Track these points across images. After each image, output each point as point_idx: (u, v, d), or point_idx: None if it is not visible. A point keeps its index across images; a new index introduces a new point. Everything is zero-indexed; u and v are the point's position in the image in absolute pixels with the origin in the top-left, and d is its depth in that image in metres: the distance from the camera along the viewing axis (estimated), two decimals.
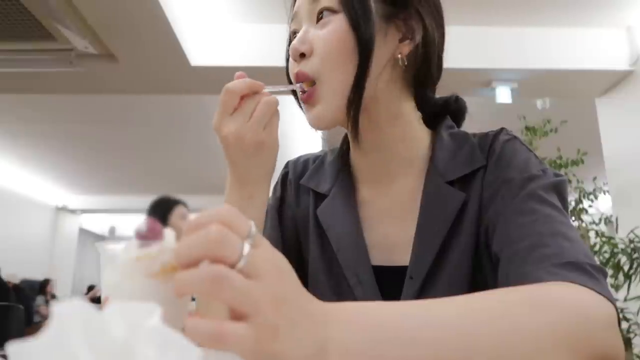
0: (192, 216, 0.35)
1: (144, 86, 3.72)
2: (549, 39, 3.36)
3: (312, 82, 0.62)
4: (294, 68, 0.64)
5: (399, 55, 0.63)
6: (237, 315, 0.31)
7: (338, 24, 0.60)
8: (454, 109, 0.73)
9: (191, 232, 0.32)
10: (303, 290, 0.36)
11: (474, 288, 0.60)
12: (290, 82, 0.67)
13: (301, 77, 0.62)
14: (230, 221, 0.33)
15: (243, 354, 0.31)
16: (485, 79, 3.46)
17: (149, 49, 3.13)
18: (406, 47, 0.64)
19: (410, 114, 0.68)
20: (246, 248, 0.32)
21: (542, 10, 3.20)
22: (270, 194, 0.77)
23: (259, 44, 3.28)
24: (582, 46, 3.38)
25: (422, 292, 0.61)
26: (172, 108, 4.92)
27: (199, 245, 0.31)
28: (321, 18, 0.61)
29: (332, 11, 0.61)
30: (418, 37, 0.63)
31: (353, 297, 0.64)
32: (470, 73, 3.34)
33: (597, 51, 3.38)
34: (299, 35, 0.63)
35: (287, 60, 0.68)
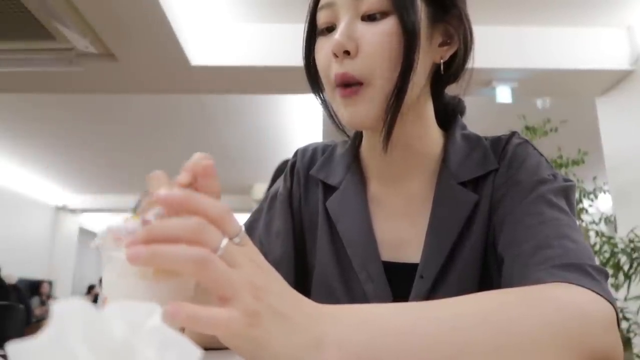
0: (179, 190, 0.35)
1: (144, 86, 3.72)
2: (549, 38, 3.36)
3: None
4: (333, 65, 0.59)
5: (441, 60, 0.63)
6: (220, 303, 0.33)
7: (390, 25, 0.57)
8: (459, 109, 0.74)
9: (170, 204, 0.34)
10: (289, 287, 0.37)
11: (483, 289, 0.60)
12: (309, 72, 0.66)
13: (347, 79, 0.58)
14: (218, 217, 0.34)
15: (227, 339, 0.33)
16: (485, 79, 3.46)
17: (149, 49, 3.12)
18: (447, 52, 0.63)
19: (430, 112, 0.68)
20: (224, 242, 0.34)
21: (543, 10, 3.20)
22: (281, 183, 0.76)
23: (259, 44, 3.25)
24: (582, 46, 3.37)
25: (433, 292, 0.61)
26: (172, 108, 4.92)
27: (179, 227, 0.33)
28: (369, 17, 0.58)
29: (383, 13, 0.58)
30: (458, 41, 0.63)
31: (363, 292, 0.64)
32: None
33: (597, 51, 3.38)
34: (342, 30, 0.58)
35: (307, 49, 0.65)
